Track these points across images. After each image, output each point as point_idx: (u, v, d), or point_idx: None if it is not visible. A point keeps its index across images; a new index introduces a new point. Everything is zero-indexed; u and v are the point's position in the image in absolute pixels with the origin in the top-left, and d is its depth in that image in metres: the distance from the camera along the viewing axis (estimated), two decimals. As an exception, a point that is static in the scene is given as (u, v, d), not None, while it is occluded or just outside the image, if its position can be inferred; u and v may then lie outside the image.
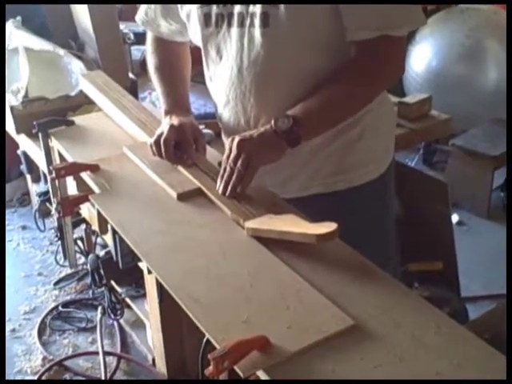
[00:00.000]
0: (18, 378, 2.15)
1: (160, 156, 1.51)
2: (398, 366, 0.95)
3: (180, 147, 1.49)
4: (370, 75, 1.34)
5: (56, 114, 2.06)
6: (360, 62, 1.35)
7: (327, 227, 1.16)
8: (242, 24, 1.37)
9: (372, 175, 1.51)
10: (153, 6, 1.59)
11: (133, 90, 2.56)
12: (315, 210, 1.28)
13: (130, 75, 2.73)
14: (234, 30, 1.39)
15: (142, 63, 3.11)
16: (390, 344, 0.99)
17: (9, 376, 2.15)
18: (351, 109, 1.39)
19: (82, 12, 2.70)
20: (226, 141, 1.47)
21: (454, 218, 2.99)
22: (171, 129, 1.48)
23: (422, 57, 3.71)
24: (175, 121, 1.50)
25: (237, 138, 1.31)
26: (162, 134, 1.49)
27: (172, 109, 1.55)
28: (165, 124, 1.51)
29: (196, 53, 1.62)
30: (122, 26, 2.88)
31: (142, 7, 1.63)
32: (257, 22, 1.34)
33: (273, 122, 1.31)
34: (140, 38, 2.90)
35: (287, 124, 1.29)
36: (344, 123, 1.42)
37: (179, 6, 1.49)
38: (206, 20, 1.42)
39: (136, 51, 3.20)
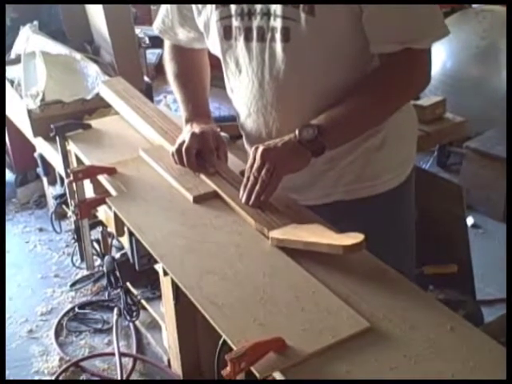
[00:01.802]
0: (36, 378, 2.17)
1: (182, 164, 1.50)
2: (412, 367, 0.96)
3: (202, 155, 1.49)
4: (393, 86, 1.34)
5: (72, 118, 2.09)
6: (384, 74, 1.34)
7: (354, 238, 1.14)
8: (262, 38, 1.36)
9: (394, 183, 1.50)
10: (170, 14, 1.58)
11: (148, 93, 2.58)
12: (337, 217, 1.28)
13: (146, 78, 2.75)
14: (254, 44, 1.38)
15: (157, 67, 3.14)
16: (405, 346, 0.99)
17: (26, 377, 2.18)
18: (375, 119, 1.38)
19: (97, 16, 2.72)
20: (249, 148, 1.48)
21: (469, 220, 2.97)
22: (193, 137, 1.47)
23: (437, 59, 3.68)
24: (196, 129, 1.49)
25: (261, 148, 1.30)
26: (183, 142, 1.49)
27: (193, 116, 1.55)
28: (186, 132, 1.51)
29: (211, 58, 1.62)
30: (137, 30, 2.89)
31: (159, 16, 1.62)
32: (278, 36, 1.33)
33: (297, 131, 1.30)
34: (155, 42, 2.92)
35: (312, 134, 1.29)
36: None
37: (196, 14, 1.48)
38: (225, 33, 1.41)
39: (151, 55, 3.22)
